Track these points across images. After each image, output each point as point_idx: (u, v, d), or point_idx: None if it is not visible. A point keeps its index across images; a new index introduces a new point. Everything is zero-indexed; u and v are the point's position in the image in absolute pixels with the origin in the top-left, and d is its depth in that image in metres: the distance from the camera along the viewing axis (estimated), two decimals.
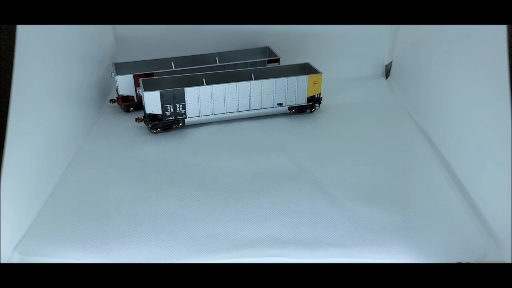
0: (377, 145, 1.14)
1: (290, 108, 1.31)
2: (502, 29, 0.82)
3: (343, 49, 1.58)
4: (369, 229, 0.84)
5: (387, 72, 1.60)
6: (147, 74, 1.32)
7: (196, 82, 1.25)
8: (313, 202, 0.92)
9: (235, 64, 1.41)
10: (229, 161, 1.08)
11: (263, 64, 1.44)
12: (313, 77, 1.29)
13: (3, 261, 0.77)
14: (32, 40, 0.93)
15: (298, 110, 1.32)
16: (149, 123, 1.19)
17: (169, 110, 1.19)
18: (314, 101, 1.32)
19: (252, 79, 1.26)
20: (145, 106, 1.18)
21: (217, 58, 1.44)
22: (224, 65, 1.41)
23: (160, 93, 1.17)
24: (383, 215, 0.88)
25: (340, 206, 0.91)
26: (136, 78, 1.31)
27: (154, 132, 1.21)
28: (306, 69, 1.36)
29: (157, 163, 1.09)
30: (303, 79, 1.28)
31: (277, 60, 1.46)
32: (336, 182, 0.99)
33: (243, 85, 1.24)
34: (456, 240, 0.82)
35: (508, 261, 0.75)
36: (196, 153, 1.13)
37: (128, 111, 1.36)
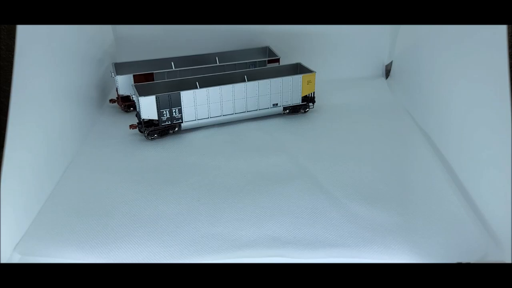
0: (377, 145, 1.14)
1: (284, 108, 1.31)
2: (502, 29, 0.82)
3: (343, 49, 1.58)
4: (369, 229, 0.84)
5: (387, 72, 1.60)
6: (147, 74, 1.32)
7: (189, 86, 1.23)
8: (313, 202, 0.92)
9: (235, 64, 1.41)
10: (229, 161, 1.08)
11: (263, 64, 1.44)
12: (307, 76, 1.29)
13: (3, 261, 0.77)
14: (32, 40, 0.93)
15: (292, 110, 1.32)
16: (145, 129, 1.17)
17: (165, 115, 1.18)
18: (308, 101, 1.32)
19: (245, 81, 1.25)
20: (141, 112, 1.15)
21: (217, 58, 1.44)
22: (224, 65, 1.41)
23: (156, 98, 1.15)
24: (383, 215, 0.88)
25: (340, 206, 0.91)
26: (136, 78, 1.31)
27: (151, 138, 1.19)
28: (297, 69, 1.36)
29: (157, 163, 1.09)
30: (298, 79, 1.28)
31: (277, 60, 1.46)
32: (336, 182, 0.99)
33: (239, 86, 1.23)
34: (456, 240, 0.82)
35: (508, 261, 0.75)
36: (196, 153, 1.13)
37: (128, 111, 1.36)
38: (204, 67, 1.39)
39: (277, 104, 1.30)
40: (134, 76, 1.31)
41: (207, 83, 1.24)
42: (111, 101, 1.38)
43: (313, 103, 1.34)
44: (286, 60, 1.45)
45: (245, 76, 1.28)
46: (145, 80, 1.31)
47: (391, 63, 1.58)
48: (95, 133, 1.24)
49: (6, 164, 0.77)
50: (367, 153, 1.11)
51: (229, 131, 1.24)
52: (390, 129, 1.23)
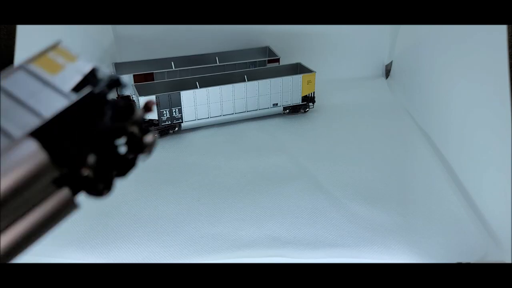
0: (377, 145, 1.14)
1: (284, 108, 1.31)
2: (502, 29, 0.82)
3: (343, 49, 1.58)
4: (369, 229, 0.84)
5: (387, 72, 1.60)
6: (147, 74, 1.32)
7: (189, 86, 1.23)
8: (313, 202, 0.92)
9: (235, 64, 1.41)
10: (229, 161, 1.08)
11: (263, 64, 1.44)
12: (307, 76, 1.29)
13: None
14: (32, 40, 0.93)
15: (292, 110, 1.32)
16: None
17: (165, 115, 1.18)
18: (308, 101, 1.32)
19: (245, 81, 1.25)
20: None
21: (217, 58, 1.44)
22: (224, 65, 1.41)
23: (156, 98, 1.15)
24: (383, 215, 0.88)
25: (340, 206, 0.91)
26: (136, 78, 1.31)
27: None
28: (298, 68, 1.36)
29: (157, 163, 1.09)
30: (298, 79, 1.28)
31: (277, 60, 1.46)
32: (336, 182, 0.99)
33: (239, 86, 1.23)
34: (456, 240, 0.82)
35: (508, 261, 0.75)
36: (196, 153, 1.13)
37: None
38: (204, 67, 1.39)
39: (277, 104, 1.30)
40: (134, 76, 1.31)
41: (207, 83, 1.24)
42: None
43: (313, 103, 1.34)
44: (286, 60, 1.45)
45: (245, 76, 1.28)
46: (145, 80, 1.30)
47: (391, 63, 1.58)
48: None
49: None
50: (367, 153, 1.11)
51: (229, 131, 1.24)
52: (390, 129, 1.23)
